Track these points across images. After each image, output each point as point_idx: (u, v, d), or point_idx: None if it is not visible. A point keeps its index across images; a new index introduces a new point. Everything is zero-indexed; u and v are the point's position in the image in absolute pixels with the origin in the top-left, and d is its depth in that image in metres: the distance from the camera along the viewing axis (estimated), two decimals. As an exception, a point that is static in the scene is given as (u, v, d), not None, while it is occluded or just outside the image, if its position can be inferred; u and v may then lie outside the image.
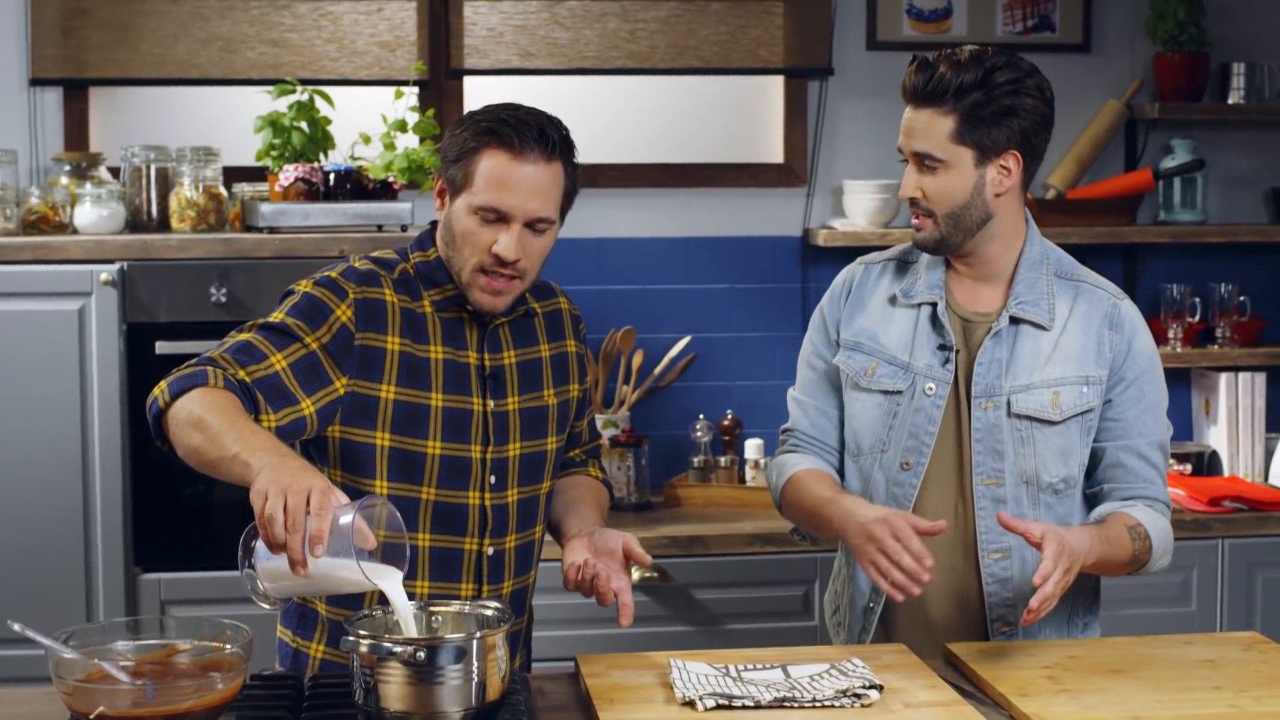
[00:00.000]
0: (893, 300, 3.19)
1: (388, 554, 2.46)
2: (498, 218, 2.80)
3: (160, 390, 2.65)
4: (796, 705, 2.61)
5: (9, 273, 4.18)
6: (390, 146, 4.49)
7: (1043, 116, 3.05)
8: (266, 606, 2.50)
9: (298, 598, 2.90)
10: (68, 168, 4.57)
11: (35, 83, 4.76)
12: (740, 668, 2.80)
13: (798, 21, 5.04)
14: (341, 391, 2.80)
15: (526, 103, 2.89)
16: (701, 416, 4.98)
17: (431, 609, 2.59)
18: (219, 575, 4.26)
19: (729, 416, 5.01)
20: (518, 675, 2.72)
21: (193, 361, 2.71)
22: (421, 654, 2.37)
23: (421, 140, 4.61)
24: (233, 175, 4.67)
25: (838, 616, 3.32)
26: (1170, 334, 5.06)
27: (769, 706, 2.60)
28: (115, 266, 4.20)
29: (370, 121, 4.67)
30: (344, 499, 2.37)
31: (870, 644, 3.12)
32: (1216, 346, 5.14)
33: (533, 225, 2.82)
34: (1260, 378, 5.13)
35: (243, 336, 2.78)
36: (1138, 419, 3.10)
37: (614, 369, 4.87)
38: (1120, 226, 5.08)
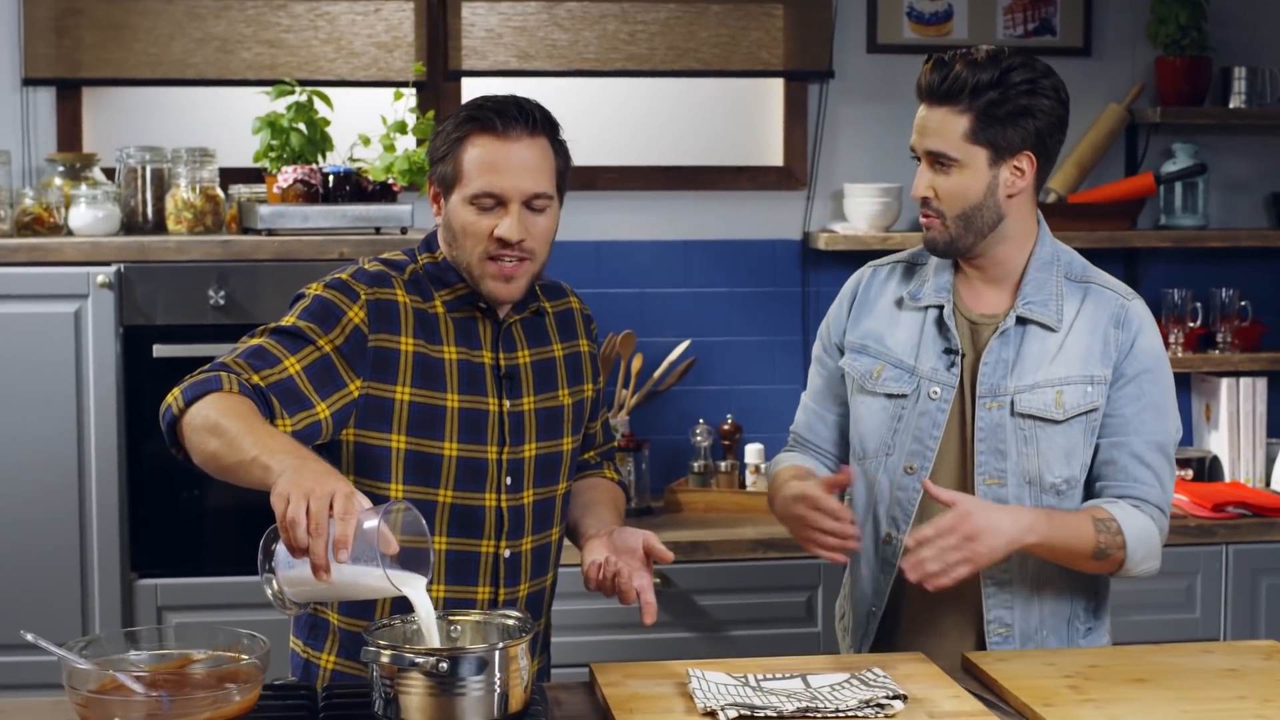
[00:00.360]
0: (899, 303, 3.18)
1: (408, 559, 2.42)
2: (495, 203, 2.80)
3: (174, 397, 2.62)
4: (819, 715, 2.58)
5: (4, 275, 4.13)
6: (390, 148, 4.46)
7: (1058, 118, 3.04)
8: (285, 612, 2.46)
9: (314, 605, 2.86)
10: (61, 169, 4.52)
11: (28, 82, 4.71)
12: (760, 677, 2.76)
13: (798, 24, 5.01)
14: (356, 394, 2.76)
15: None
16: (701, 421, 4.95)
17: (451, 618, 2.55)
18: (217, 581, 4.23)
19: (729, 421, 4.98)
20: (536, 685, 2.69)
21: (205, 368, 2.67)
22: (444, 664, 2.33)
23: (421, 142, 4.56)
24: (228, 177, 4.63)
25: (844, 622, 3.31)
26: (1171, 339, 5.03)
27: (791, 717, 2.57)
28: (112, 269, 4.16)
29: (367, 123, 4.63)
30: (366, 503, 2.33)
31: (886, 652, 3.08)
32: (1217, 351, 5.12)
33: (530, 204, 2.81)
34: (1261, 383, 5.11)
35: (254, 341, 2.75)
36: (1134, 417, 3.06)
37: (613, 373, 4.84)
38: (1121, 231, 5.06)
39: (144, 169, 4.49)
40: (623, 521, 3.04)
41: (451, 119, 2.87)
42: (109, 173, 4.60)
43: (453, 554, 2.83)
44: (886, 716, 2.60)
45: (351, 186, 4.34)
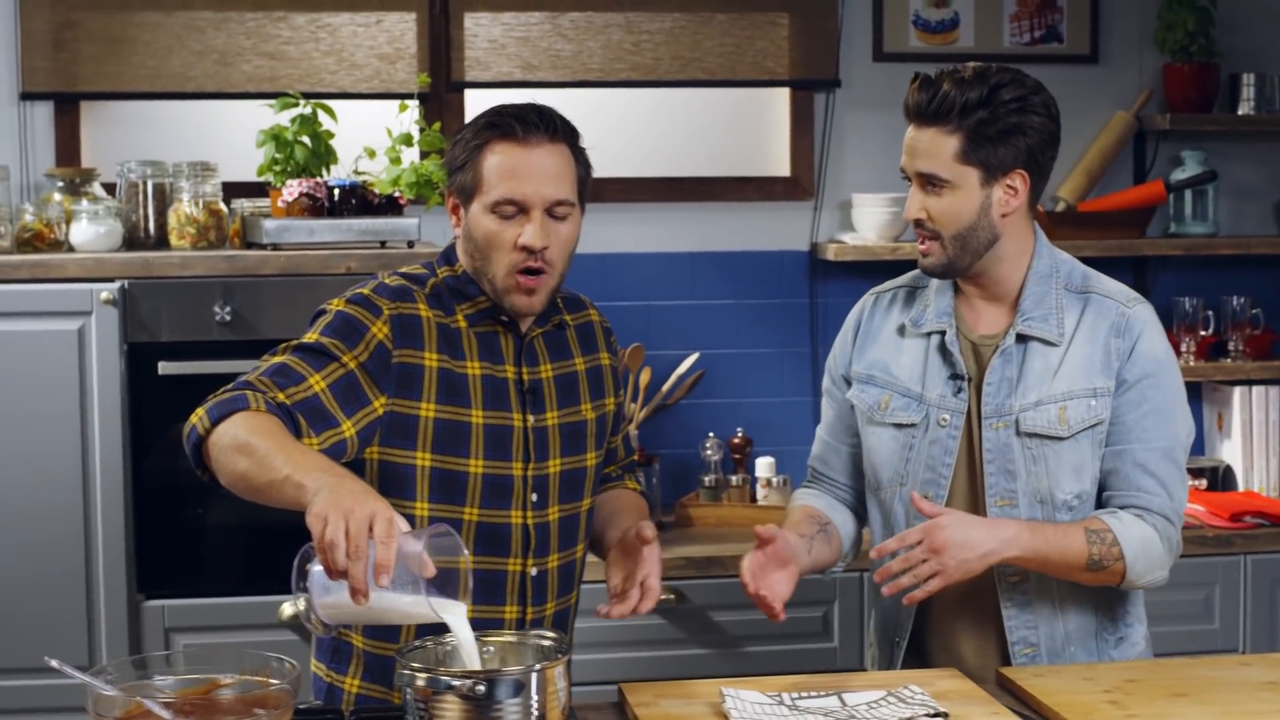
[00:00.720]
0: (902, 330, 3.13)
1: (443, 582, 2.36)
2: (516, 210, 2.75)
3: (198, 417, 2.56)
4: (859, 735, 2.52)
5: (6, 292, 4.07)
6: (396, 161, 4.40)
7: (1049, 134, 2.99)
8: (318, 632, 2.39)
9: (340, 629, 2.79)
10: (60, 184, 4.46)
11: (25, 96, 4.65)
12: (794, 695, 2.72)
13: (804, 33, 4.97)
14: (380, 411, 2.71)
15: None
16: (711, 435, 4.90)
17: (484, 639, 2.49)
18: (225, 601, 4.18)
19: (739, 434, 4.93)
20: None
21: (229, 387, 2.62)
22: (481, 687, 2.27)
23: (427, 154, 4.51)
24: (230, 191, 4.56)
25: (872, 651, 3.28)
26: (1183, 347, 4.99)
27: (832, 737, 2.52)
28: (115, 285, 4.09)
29: (369, 136, 4.58)
30: (404, 525, 2.27)
31: (922, 669, 3.03)
32: (1229, 360, 5.08)
33: (552, 212, 2.76)
34: (1274, 391, 5.07)
35: (277, 359, 2.69)
36: (1136, 424, 3.00)
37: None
38: (1131, 239, 5.01)
39: (145, 184, 4.43)
40: None
41: (470, 127, 2.83)
42: (108, 188, 4.54)
43: (479, 573, 2.77)
44: (928, 735, 2.55)
45: (357, 200, 4.28)
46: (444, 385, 2.76)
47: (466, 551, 2.38)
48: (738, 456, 4.92)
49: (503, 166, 2.75)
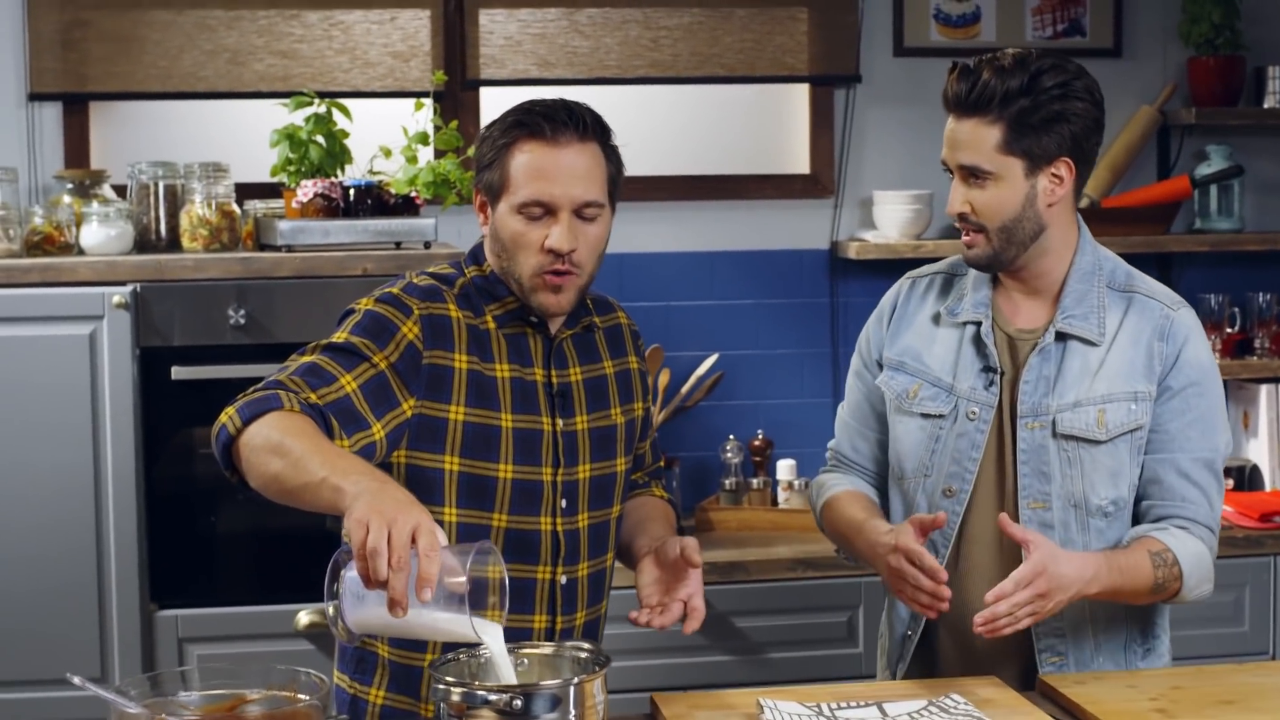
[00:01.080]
0: (936, 319, 3.06)
1: (475, 596, 2.28)
2: (544, 211, 2.69)
3: (228, 417, 2.48)
4: (904, 747, 2.45)
5: (16, 296, 4.00)
6: (412, 160, 4.34)
7: (1094, 120, 2.91)
8: (343, 640, 2.32)
9: (363, 639, 2.72)
10: (70, 186, 4.39)
11: (34, 97, 4.58)
12: (833, 706, 2.64)
13: (823, 28, 4.90)
14: (409, 414, 2.65)
15: None
16: (731, 437, 4.83)
17: (518, 651, 2.41)
18: (239, 611, 4.12)
19: (760, 437, 4.86)
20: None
21: (259, 386, 2.54)
22: (518, 701, 2.20)
23: (444, 153, 4.44)
24: (242, 192, 4.50)
25: (882, 642, 3.19)
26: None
27: (875, 749, 2.45)
28: (127, 288, 4.03)
29: (383, 135, 4.52)
30: (444, 538, 2.20)
31: (922, 678, 2.95)
32: (1256, 358, 5.01)
33: (581, 213, 2.70)
34: (1301, 390, 5.00)
35: (307, 359, 2.62)
36: (1180, 433, 2.93)
37: (640, 389, 4.72)
38: (1157, 235, 4.94)
39: (156, 185, 4.36)
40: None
41: (498, 124, 2.76)
42: (119, 190, 4.47)
43: (509, 581, 2.69)
44: (974, 747, 2.47)
45: (373, 200, 4.22)
46: (474, 388, 2.69)
47: (504, 566, 2.31)
48: (758, 459, 4.86)
49: (530, 167, 2.69)
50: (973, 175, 2.89)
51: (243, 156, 4.58)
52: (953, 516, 2.96)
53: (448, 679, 2.25)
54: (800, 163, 5.02)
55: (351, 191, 4.22)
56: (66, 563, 4.03)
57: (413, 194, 4.28)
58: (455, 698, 2.22)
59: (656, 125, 4.97)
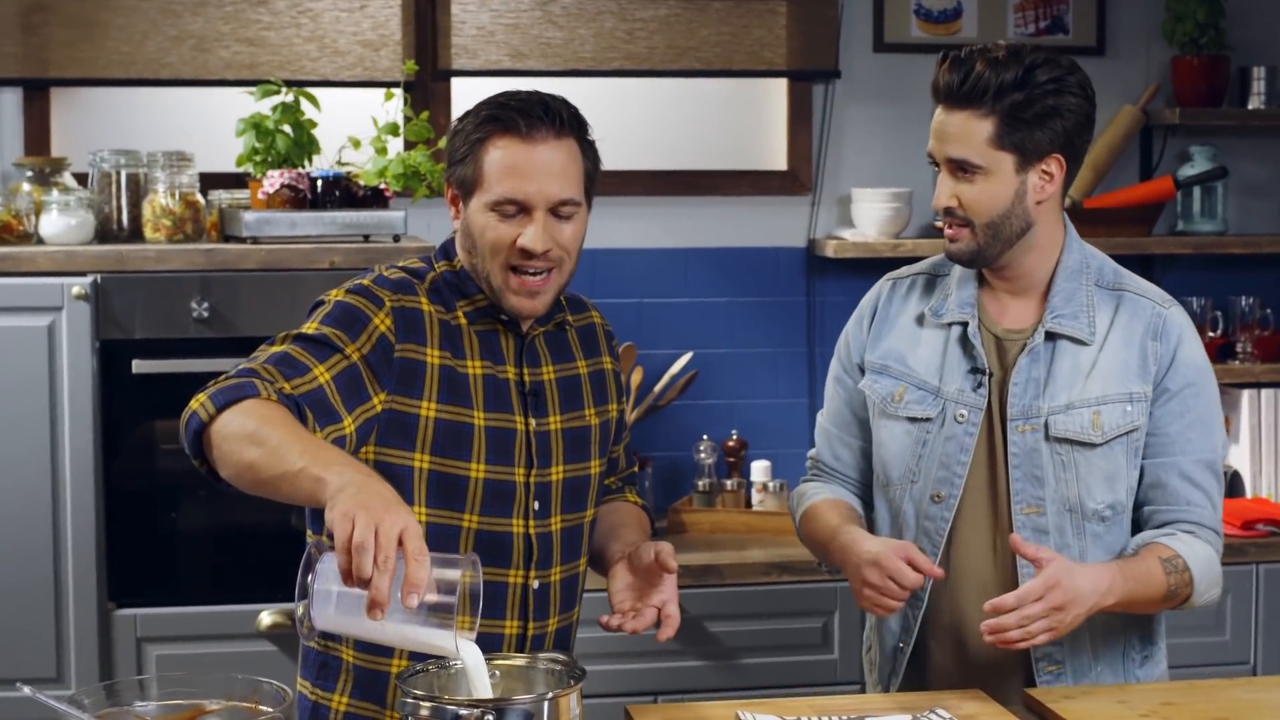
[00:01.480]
0: (920, 319, 2.98)
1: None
2: (518, 210, 2.61)
3: (200, 403, 2.37)
4: (888, 764, 2.37)
5: (-27, 286, 3.91)
6: (382, 151, 4.24)
7: (1085, 116, 2.85)
8: (303, 635, 2.22)
9: (319, 642, 2.63)
10: (29, 174, 4.29)
11: (-7, 83, 4.48)
12: (814, 719, 2.55)
13: (802, 21, 4.83)
14: (379, 408, 2.56)
15: None
16: (705, 437, 4.76)
17: (490, 662, 2.32)
18: (199, 610, 4.04)
19: (734, 437, 4.78)
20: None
21: (232, 373, 2.44)
22: (490, 717, 2.11)
23: (414, 145, 4.35)
24: (207, 182, 4.39)
25: (870, 655, 3.10)
26: (1190, 349, 4.86)
27: (859, 766, 2.36)
28: (88, 279, 3.94)
29: (350, 125, 4.42)
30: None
31: (955, 689, 2.86)
32: (1238, 362, 4.95)
33: (556, 211, 2.63)
34: (1283, 394, 4.94)
35: (278, 348, 2.53)
36: (1180, 435, 2.86)
37: (612, 387, 4.65)
38: (1139, 237, 4.87)
39: (119, 174, 4.25)
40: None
41: (471, 116, 2.68)
42: (80, 178, 4.37)
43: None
44: (961, 764, 2.39)
45: (341, 192, 4.14)
46: (446, 384, 2.61)
47: (480, 575, 2.21)
48: (732, 460, 4.78)
49: (504, 163, 2.61)
50: (961, 169, 2.82)
51: (208, 145, 4.48)
52: (941, 523, 2.89)
53: (416, 692, 2.16)
54: (777, 159, 4.94)
55: (319, 183, 4.13)
56: (22, 560, 3.93)
57: (382, 186, 4.19)
58: (424, 712, 2.13)
59: (631, 119, 4.89)
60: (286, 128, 4.22)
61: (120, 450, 3.99)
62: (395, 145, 4.43)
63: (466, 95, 4.64)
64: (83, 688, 2.19)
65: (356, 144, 4.32)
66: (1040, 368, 2.86)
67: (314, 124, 4.27)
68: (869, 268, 4.68)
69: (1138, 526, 2.91)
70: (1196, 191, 5.00)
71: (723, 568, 4.28)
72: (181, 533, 4.06)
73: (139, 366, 3.96)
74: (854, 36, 4.89)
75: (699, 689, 4.19)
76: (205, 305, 3.98)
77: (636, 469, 3.13)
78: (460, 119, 2.70)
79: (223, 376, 2.44)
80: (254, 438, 2.30)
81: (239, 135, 4.23)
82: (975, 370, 2.89)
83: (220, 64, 4.57)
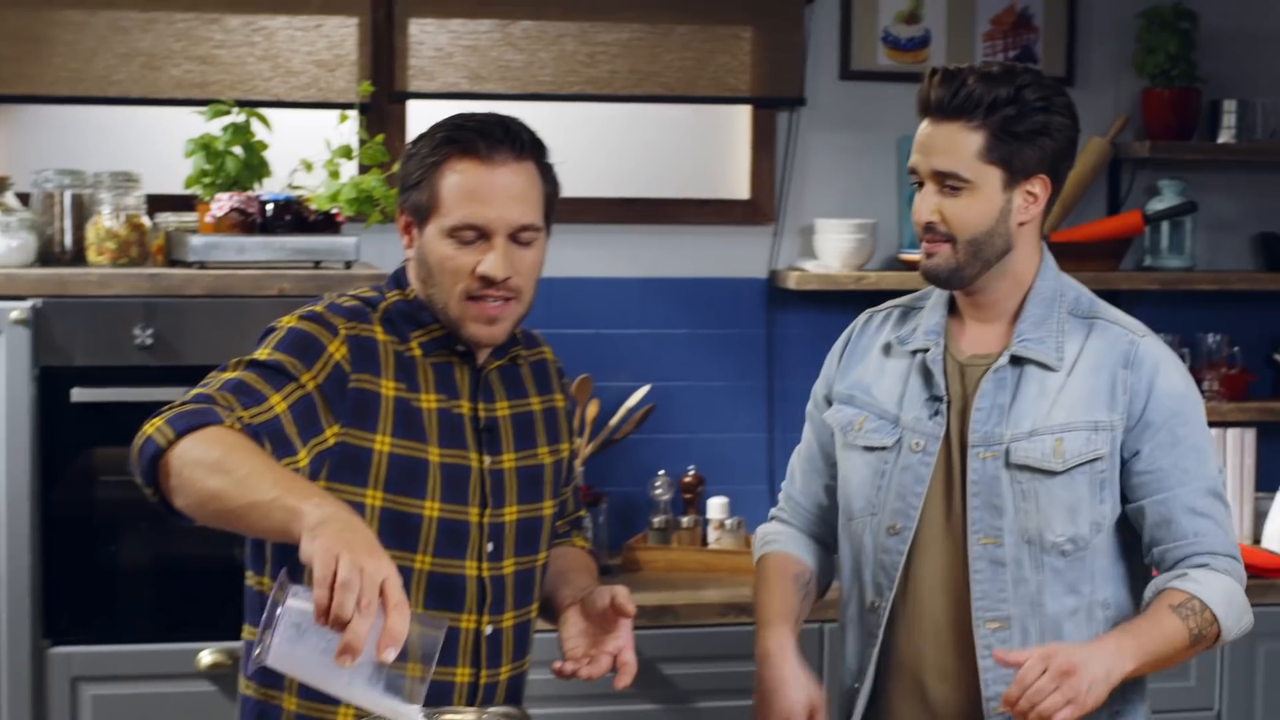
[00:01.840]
0: (887, 349, 2.95)
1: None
2: (477, 235, 2.55)
3: (156, 428, 2.28)
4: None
5: (-93, 309, 3.82)
6: (335, 175, 4.18)
7: (1070, 139, 2.83)
8: (254, 665, 2.11)
9: (264, 691, 2.53)
10: (-31, 193, 4.19)
11: (-66, 99, 4.40)
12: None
13: (768, 48, 4.77)
14: (331, 441, 2.48)
15: None
16: (661, 472, 4.69)
17: (438, 716, 2.22)
18: (138, 649, 3.94)
19: (691, 473, 4.71)
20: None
21: (187, 399, 2.36)
22: (439, 780, 2.01)
23: (368, 168, 4.27)
24: (154, 204, 4.31)
25: (827, 695, 2.99)
26: (1156, 387, 4.81)
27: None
28: (27, 304, 3.85)
29: (305, 148, 4.36)
30: None
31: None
32: (1204, 400, 4.87)
33: (516, 237, 2.57)
34: (1249, 434, 4.88)
35: (231, 375, 2.45)
36: (1174, 466, 2.79)
37: (566, 420, 4.57)
38: (1106, 272, 4.83)
39: (62, 194, 4.17)
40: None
41: (426, 139, 2.62)
42: (23, 198, 4.27)
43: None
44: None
45: (292, 216, 4.06)
46: (401, 417, 2.54)
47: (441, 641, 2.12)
48: (689, 496, 4.70)
49: (463, 187, 2.55)
50: (947, 183, 2.78)
51: (155, 166, 4.39)
52: (896, 555, 2.83)
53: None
54: (740, 188, 4.89)
55: (269, 206, 4.05)
56: (-47, 593, 3.83)
57: (334, 211, 4.12)
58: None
59: (591, 144, 4.83)
60: (237, 149, 4.15)
61: (58, 480, 3.91)
62: (349, 169, 4.37)
63: (423, 118, 4.53)
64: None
65: (309, 167, 4.25)
66: (1005, 394, 2.81)
67: (265, 146, 4.20)
68: (831, 300, 4.64)
69: (1154, 563, 2.84)
70: (1165, 226, 4.95)
71: (678, 608, 4.22)
72: (121, 567, 3.97)
73: (78, 395, 3.87)
74: (820, 63, 4.84)
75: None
76: (149, 332, 3.90)
77: (583, 513, 3.08)
78: (414, 142, 2.64)
79: (177, 402, 2.35)
80: (219, 466, 2.22)
81: (187, 156, 4.15)
82: (933, 398, 2.84)
83: (170, 82, 4.49)
